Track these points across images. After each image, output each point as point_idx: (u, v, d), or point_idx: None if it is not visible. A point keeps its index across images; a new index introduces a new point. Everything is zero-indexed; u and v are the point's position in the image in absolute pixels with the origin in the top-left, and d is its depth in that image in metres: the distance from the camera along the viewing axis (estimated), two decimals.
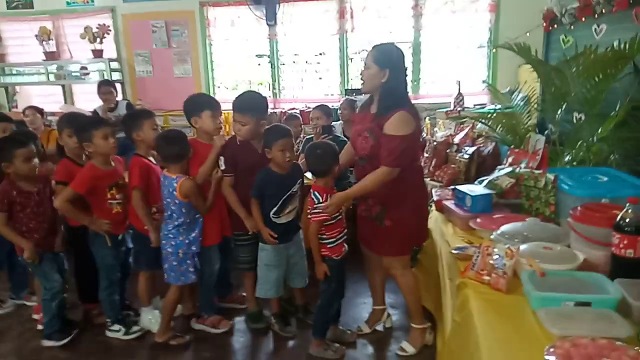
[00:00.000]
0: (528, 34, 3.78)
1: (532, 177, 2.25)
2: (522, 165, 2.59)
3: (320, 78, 5.70)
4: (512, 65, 4.47)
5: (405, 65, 2.19)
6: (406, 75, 2.19)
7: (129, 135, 2.62)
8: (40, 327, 2.77)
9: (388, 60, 2.12)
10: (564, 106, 2.91)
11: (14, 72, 5.93)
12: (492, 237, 1.91)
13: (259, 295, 2.62)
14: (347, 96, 5.00)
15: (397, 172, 2.11)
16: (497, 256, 1.69)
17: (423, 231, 2.39)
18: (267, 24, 5.37)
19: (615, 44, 2.59)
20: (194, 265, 2.53)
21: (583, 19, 3.13)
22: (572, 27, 3.33)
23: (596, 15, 2.98)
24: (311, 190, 2.30)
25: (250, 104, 2.50)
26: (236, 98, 2.54)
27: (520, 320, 1.42)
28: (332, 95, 5.54)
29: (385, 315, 2.67)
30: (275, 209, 2.43)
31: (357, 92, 5.17)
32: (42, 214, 2.55)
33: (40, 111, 4.58)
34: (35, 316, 2.90)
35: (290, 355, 2.56)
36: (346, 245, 2.43)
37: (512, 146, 2.94)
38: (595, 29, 3.03)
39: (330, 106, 4.08)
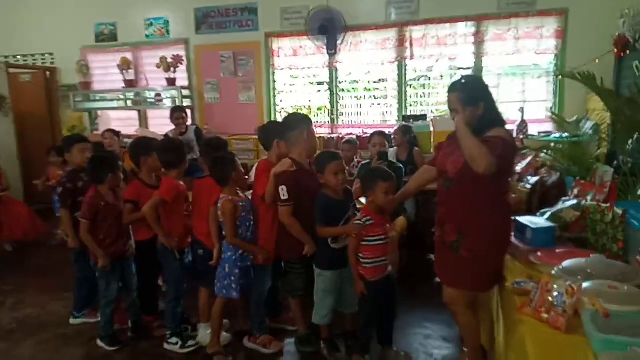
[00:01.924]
0: (597, 60, 3.62)
1: (599, 210, 2.13)
2: (589, 198, 2.45)
3: (379, 104, 5.76)
4: (580, 92, 4.26)
5: (488, 86, 2.14)
6: (494, 99, 2.12)
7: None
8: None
9: (477, 96, 2.06)
10: (635, 136, 2.74)
11: (97, 98, 6.51)
12: (552, 272, 1.82)
13: (315, 321, 2.65)
14: (402, 122, 5.02)
15: (493, 165, 1.89)
16: (557, 293, 1.60)
17: (502, 269, 2.12)
18: (328, 54, 5.53)
19: None
20: (237, 283, 2.61)
21: None
22: None
23: None
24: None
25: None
26: None
27: None
28: (389, 121, 5.56)
29: None
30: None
31: (415, 118, 5.17)
32: (121, 226, 2.84)
33: (117, 134, 5.01)
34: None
35: None
36: (389, 272, 2.46)
37: (578, 177, 2.79)
38: None
39: (387, 132, 4.14)
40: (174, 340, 2.84)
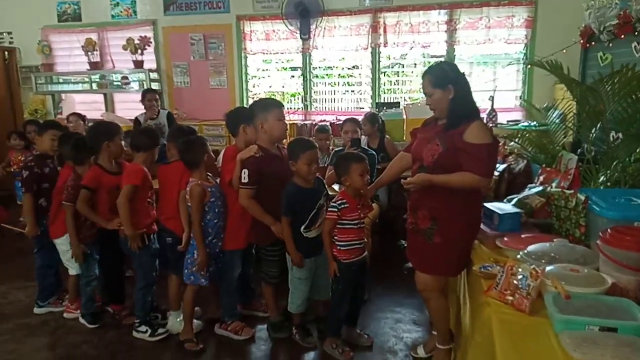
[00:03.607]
0: (564, 51, 3.70)
1: (563, 197, 2.19)
2: (554, 185, 2.53)
3: (352, 91, 5.75)
4: (548, 81, 4.36)
5: (464, 74, 2.15)
6: (469, 86, 2.14)
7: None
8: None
9: (446, 78, 2.09)
10: (598, 125, 2.83)
11: (60, 80, 6.25)
12: (518, 256, 1.87)
13: (291, 310, 2.66)
14: (375, 109, 5.03)
15: (486, 182, 2.07)
16: (521, 276, 1.65)
17: (470, 253, 2.18)
18: (301, 38, 5.47)
19: None
20: (206, 270, 2.58)
21: (622, 36, 3.04)
22: (611, 44, 3.24)
23: (636, 33, 2.90)
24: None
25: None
26: None
27: (542, 343, 1.38)
28: (362, 108, 5.57)
29: None
30: (306, 223, 2.47)
31: (389, 105, 5.19)
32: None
33: (82, 118, 4.84)
34: (66, 315, 3.08)
35: None
36: (363, 255, 2.49)
37: (544, 165, 2.87)
38: (635, 47, 2.94)
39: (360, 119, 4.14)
40: (143, 328, 2.79)
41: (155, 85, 5.85)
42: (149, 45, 5.81)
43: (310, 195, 2.48)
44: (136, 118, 4.80)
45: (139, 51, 5.77)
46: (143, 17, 5.94)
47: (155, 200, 2.85)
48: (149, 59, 5.93)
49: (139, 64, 5.85)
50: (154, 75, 5.90)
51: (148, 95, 4.71)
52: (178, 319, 2.80)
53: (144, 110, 4.72)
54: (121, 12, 6.01)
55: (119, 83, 5.98)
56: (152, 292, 2.86)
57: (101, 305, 3.07)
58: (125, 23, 5.98)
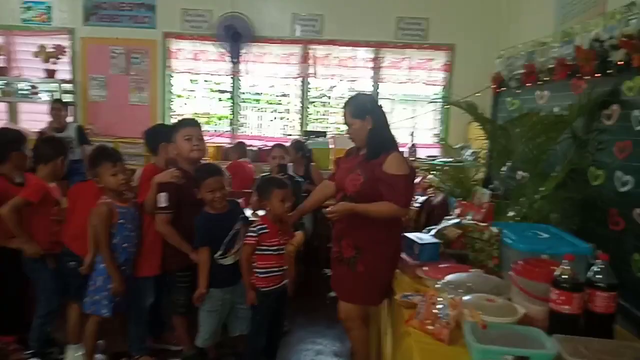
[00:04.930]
0: (478, 94, 4.01)
1: (478, 229, 2.30)
2: (469, 217, 2.66)
3: (281, 118, 5.76)
4: (463, 121, 4.69)
5: (382, 106, 2.25)
6: (386, 118, 2.23)
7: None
8: None
9: (364, 109, 2.17)
10: (508, 164, 3.06)
11: None
12: (437, 286, 1.91)
13: (198, 344, 2.49)
14: (304, 137, 5.08)
15: (405, 212, 2.16)
16: (441, 306, 1.68)
17: (392, 283, 2.23)
18: (232, 62, 5.41)
19: (556, 109, 2.78)
20: (110, 300, 2.37)
21: (528, 84, 3.36)
22: (518, 91, 3.56)
23: (539, 82, 3.21)
24: None
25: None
26: None
27: None
28: (290, 135, 5.58)
29: None
30: (220, 251, 2.36)
31: (317, 134, 5.26)
32: None
33: None
34: None
35: None
36: (282, 283, 2.41)
37: (460, 198, 3.03)
38: (538, 95, 3.25)
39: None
40: None
41: (68, 97, 5.42)
42: (63, 55, 5.41)
43: (223, 220, 2.39)
44: (40, 131, 4.43)
45: (52, 60, 5.35)
46: (59, 25, 5.54)
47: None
48: (63, 69, 5.51)
49: (50, 74, 5.41)
50: (67, 87, 5.48)
51: (52, 105, 4.57)
52: (77, 354, 2.51)
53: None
54: (34, 17, 5.56)
55: (27, 92, 5.47)
56: (54, 321, 2.56)
57: None
58: (38, 29, 5.53)
